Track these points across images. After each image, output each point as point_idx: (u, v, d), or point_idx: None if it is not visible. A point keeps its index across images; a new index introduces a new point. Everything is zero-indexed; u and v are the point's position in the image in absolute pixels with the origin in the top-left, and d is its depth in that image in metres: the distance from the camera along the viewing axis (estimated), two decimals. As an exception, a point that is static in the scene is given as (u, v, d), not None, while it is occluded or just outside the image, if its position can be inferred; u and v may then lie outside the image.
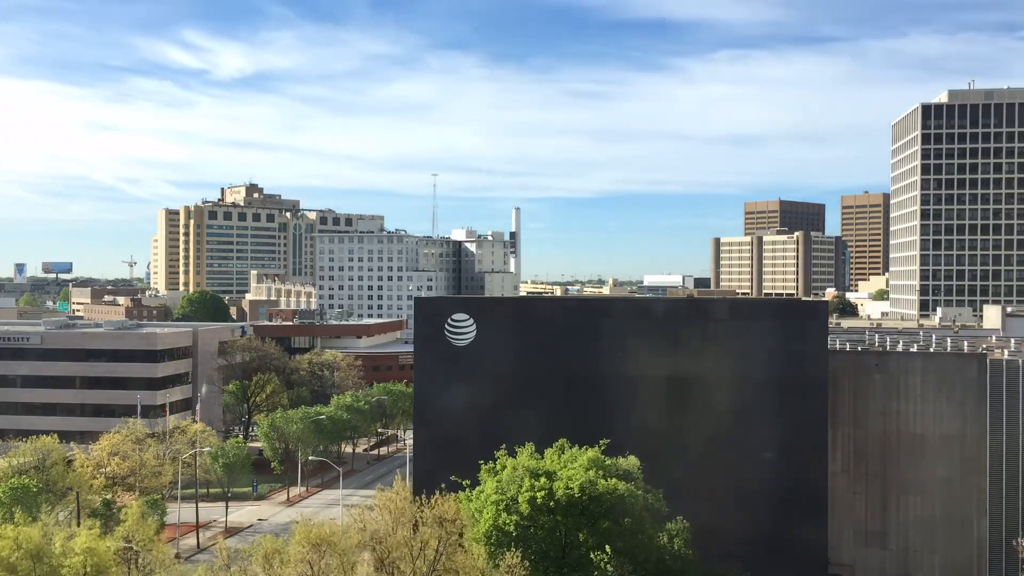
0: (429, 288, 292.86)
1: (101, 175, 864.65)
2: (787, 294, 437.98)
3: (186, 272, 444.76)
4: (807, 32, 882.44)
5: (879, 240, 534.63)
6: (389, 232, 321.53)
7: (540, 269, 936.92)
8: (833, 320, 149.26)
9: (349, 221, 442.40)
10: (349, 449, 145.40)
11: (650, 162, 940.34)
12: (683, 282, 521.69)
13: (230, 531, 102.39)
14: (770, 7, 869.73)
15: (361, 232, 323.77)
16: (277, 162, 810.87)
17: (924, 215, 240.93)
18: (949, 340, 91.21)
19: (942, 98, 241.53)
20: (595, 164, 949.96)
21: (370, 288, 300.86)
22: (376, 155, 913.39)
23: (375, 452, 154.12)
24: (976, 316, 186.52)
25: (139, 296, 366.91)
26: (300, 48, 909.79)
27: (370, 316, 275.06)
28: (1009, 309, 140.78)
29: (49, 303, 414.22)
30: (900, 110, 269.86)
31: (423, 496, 50.44)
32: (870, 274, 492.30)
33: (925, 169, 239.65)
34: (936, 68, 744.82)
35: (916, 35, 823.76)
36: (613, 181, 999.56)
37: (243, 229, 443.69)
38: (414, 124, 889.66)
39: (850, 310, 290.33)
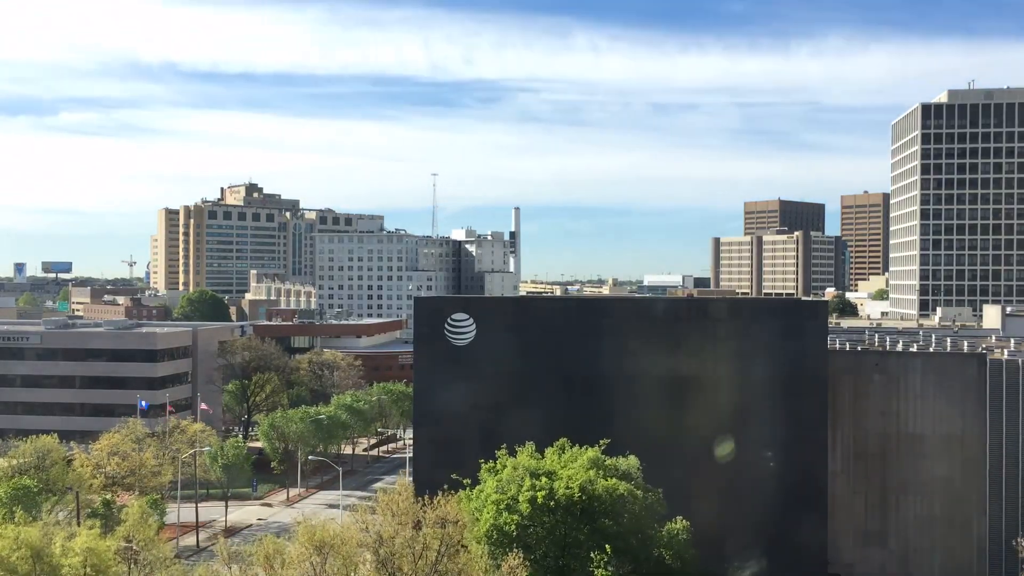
0: (429, 288, 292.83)
1: (102, 172, 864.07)
2: (787, 294, 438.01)
3: (186, 272, 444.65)
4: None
5: (879, 240, 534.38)
6: (389, 232, 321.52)
7: (540, 269, 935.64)
8: (833, 320, 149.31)
9: (349, 221, 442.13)
10: (349, 449, 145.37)
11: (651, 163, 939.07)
12: (683, 282, 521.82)
13: (230, 531, 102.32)
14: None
15: (361, 232, 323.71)
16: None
17: (924, 215, 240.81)
18: (949, 340, 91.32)
19: (942, 98, 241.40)
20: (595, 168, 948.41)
21: (370, 288, 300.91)
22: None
23: (374, 452, 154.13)
24: (976, 316, 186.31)
25: (139, 296, 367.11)
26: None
27: (370, 316, 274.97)
28: (1009, 309, 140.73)
29: (49, 303, 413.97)
30: (900, 109, 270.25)
31: (425, 496, 50.45)
32: (870, 274, 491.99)
33: (925, 169, 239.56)
34: (936, 67, 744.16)
35: (916, 34, 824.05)
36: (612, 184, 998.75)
37: (243, 229, 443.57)
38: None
39: (850, 310, 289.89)
